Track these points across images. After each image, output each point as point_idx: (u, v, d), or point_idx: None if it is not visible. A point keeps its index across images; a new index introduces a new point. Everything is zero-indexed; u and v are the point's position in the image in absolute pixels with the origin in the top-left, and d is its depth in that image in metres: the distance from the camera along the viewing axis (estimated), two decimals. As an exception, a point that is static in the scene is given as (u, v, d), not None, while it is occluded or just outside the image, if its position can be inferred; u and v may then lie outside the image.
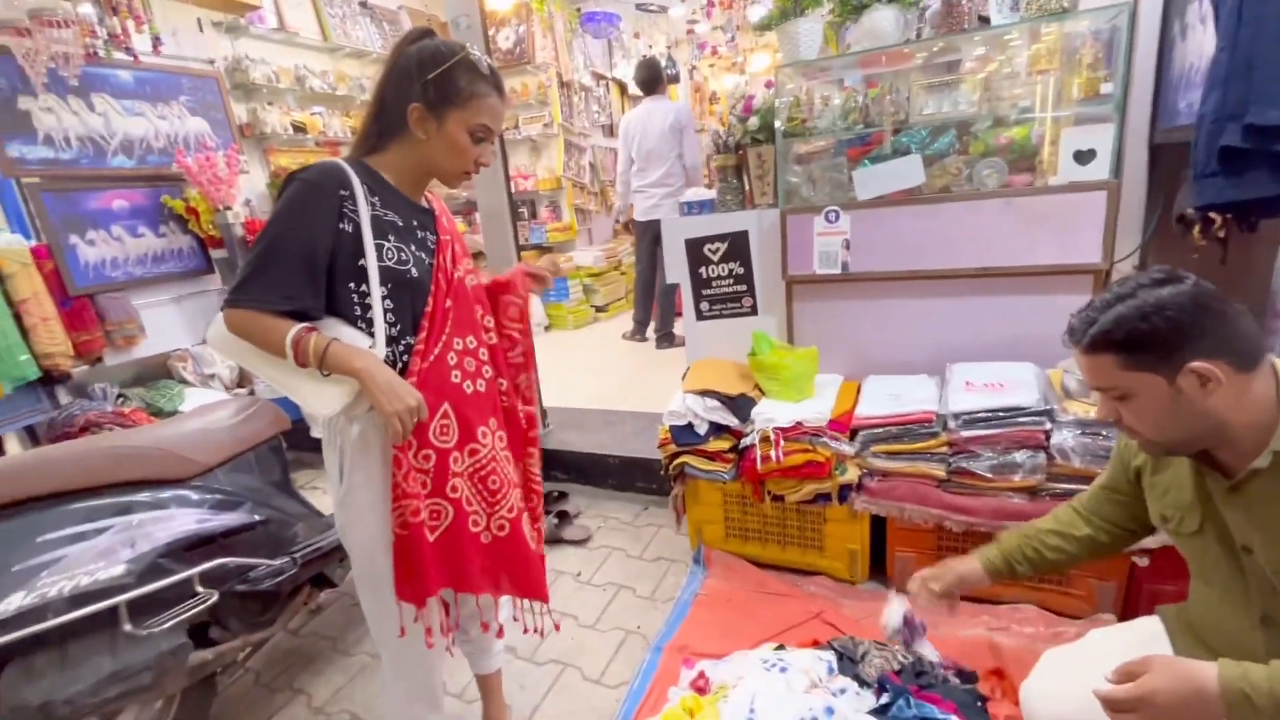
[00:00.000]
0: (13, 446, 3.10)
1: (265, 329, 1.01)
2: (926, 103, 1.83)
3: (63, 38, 2.64)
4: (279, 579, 1.66)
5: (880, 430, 1.80)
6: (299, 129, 3.94)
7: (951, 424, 1.71)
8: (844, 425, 1.86)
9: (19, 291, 2.57)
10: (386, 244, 1.08)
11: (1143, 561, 1.57)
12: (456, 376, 1.18)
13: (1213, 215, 1.44)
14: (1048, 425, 1.62)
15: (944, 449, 1.74)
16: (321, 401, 1.06)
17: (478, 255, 5.91)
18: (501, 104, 1.11)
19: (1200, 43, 1.45)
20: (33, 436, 2.80)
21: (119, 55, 2.86)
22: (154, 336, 3.08)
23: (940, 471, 1.74)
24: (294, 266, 1.01)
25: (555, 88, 5.43)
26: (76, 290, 2.78)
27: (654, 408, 3.15)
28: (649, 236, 4.24)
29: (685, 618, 1.90)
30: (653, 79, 4.14)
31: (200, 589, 1.50)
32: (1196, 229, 1.48)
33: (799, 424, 1.85)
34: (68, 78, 2.70)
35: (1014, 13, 1.71)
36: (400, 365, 1.13)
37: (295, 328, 1.01)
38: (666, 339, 4.41)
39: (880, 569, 1.96)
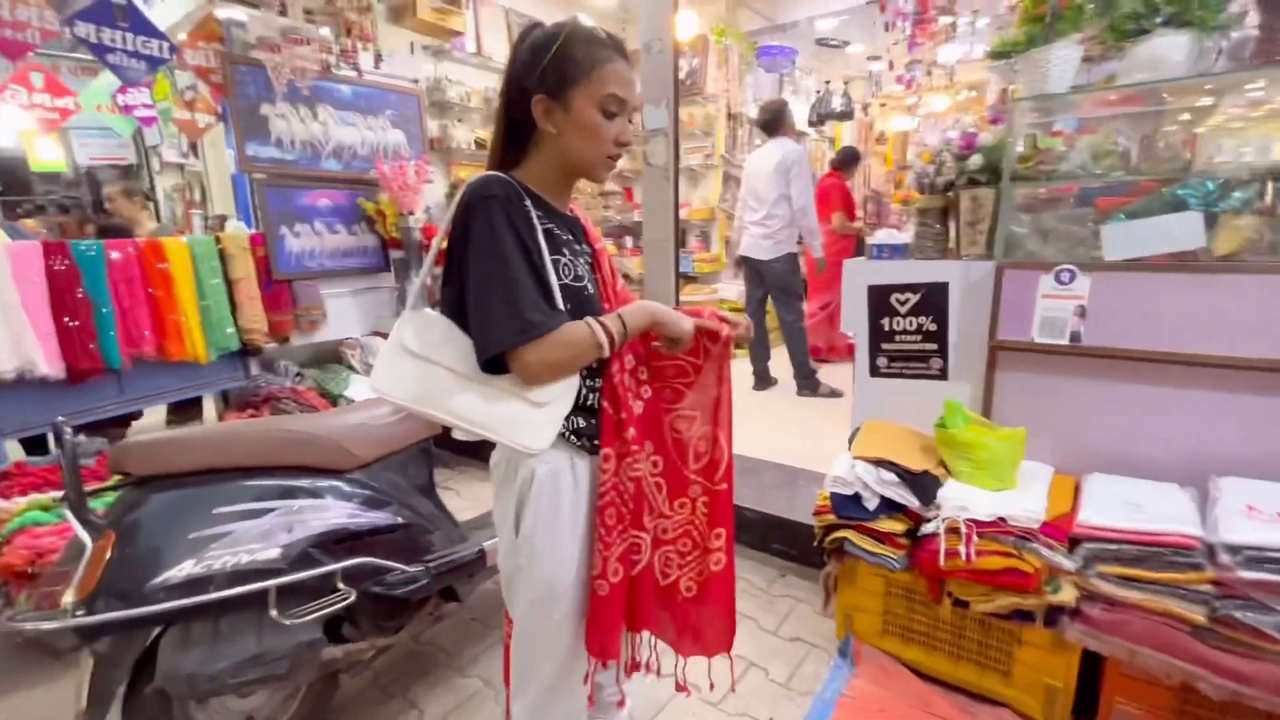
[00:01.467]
0: (209, 407, 3.49)
1: (566, 344, 0.94)
2: (1219, 148, 1.47)
3: (304, 54, 2.97)
4: (412, 587, 1.63)
5: (1114, 547, 1.44)
6: (480, 145, 4.19)
7: (1225, 557, 1.32)
8: (1062, 532, 1.51)
9: (236, 271, 2.88)
10: (562, 259, 1.00)
11: None
12: (630, 398, 1.08)
13: None
14: (1386, 586, 1.19)
15: (1208, 587, 1.34)
16: (536, 435, 0.97)
17: (625, 279, 5.99)
18: (629, 69, 1.00)
19: None
20: (225, 400, 3.12)
21: (345, 71, 3.17)
22: (333, 323, 3.34)
23: (1198, 616, 1.34)
24: (534, 285, 0.94)
25: (722, 119, 5.38)
26: (279, 275, 3.07)
27: (797, 461, 2.90)
28: (752, 275, 4.23)
29: (827, 721, 1.63)
30: (773, 122, 4.09)
31: (341, 585, 1.50)
32: None
33: (1001, 520, 1.53)
34: (302, 89, 3.03)
35: (1368, 41, 1.32)
36: (585, 388, 1.04)
37: (590, 327, 0.96)
38: (808, 385, 4.11)
39: (1085, 716, 1.56)
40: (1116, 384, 1.68)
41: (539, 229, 0.96)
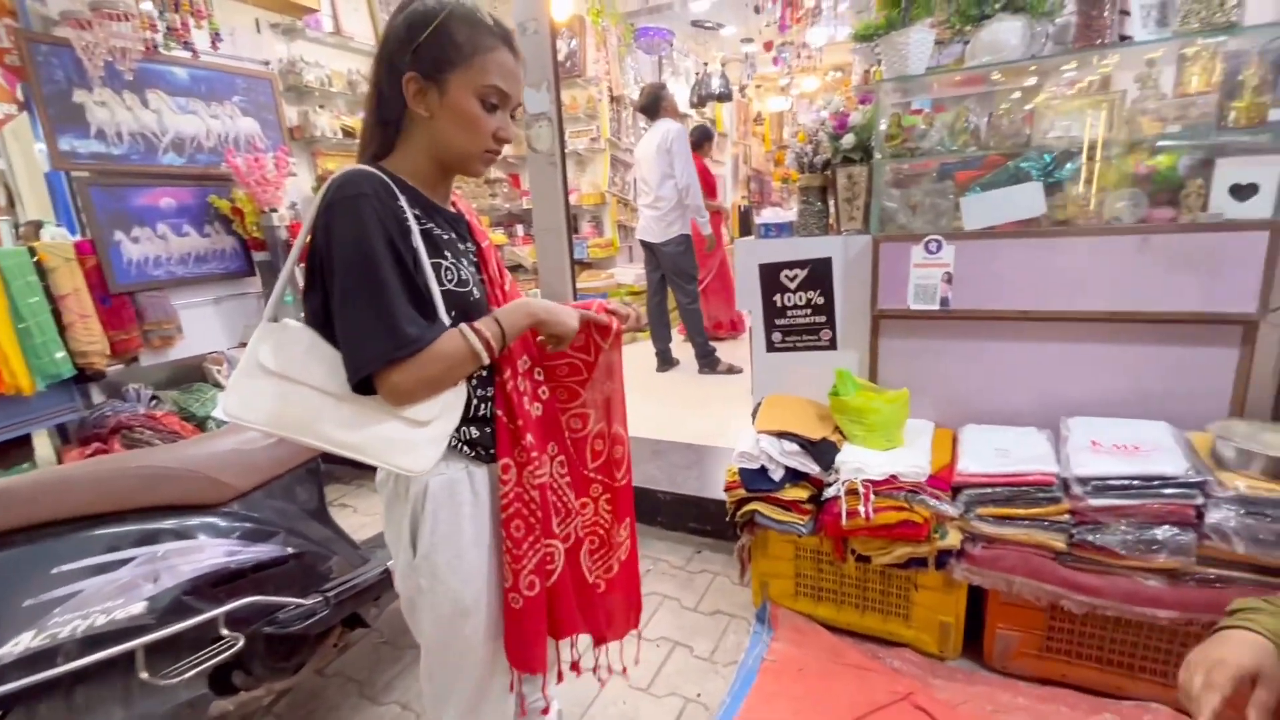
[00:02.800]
0: (43, 445, 3.01)
1: (440, 357, 0.86)
2: (1051, 125, 1.64)
3: (122, 31, 2.58)
4: (310, 621, 1.50)
5: (988, 490, 1.59)
6: (349, 134, 3.87)
7: (1076, 489, 1.49)
8: (944, 482, 1.65)
9: (60, 287, 2.48)
10: (444, 262, 0.92)
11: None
12: (526, 402, 1.03)
13: None
14: (1200, 500, 1.39)
15: (1065, 517, 1.51)
16: (419, 456, 0.88)
17: (516, 269, 5.83)
18: (515, 61, 0.93)
19: None
20: (63, 435, 2.70)
21: (176, 52, 2.80)
22: (191, 338, 2.98)
23: (1059, 543, 1.52)
24: (404, 296, 0.85)
25: (605, 102, 5.33)
26: (117, 288, 2.69)
27: (705, 440, 2.97)
28: (649, 259, 4.31)
29: (752, 687, 1.69)
30: (652, 105, 4.18)
31: (226, 631, 1.34)
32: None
33: (893, 477, 1.64)
34: (124, 72, 2.64)
35: (1162, 28, 1.51)
36: (475, 399, 0.98)
37: (464, 335, 0.88)
38: (707, 363, 4.22)
39: (974, 645, 1.73)
40: (981, 342, 1.85)
41: (415, 230, 0.88)
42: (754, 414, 2.05)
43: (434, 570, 0.96)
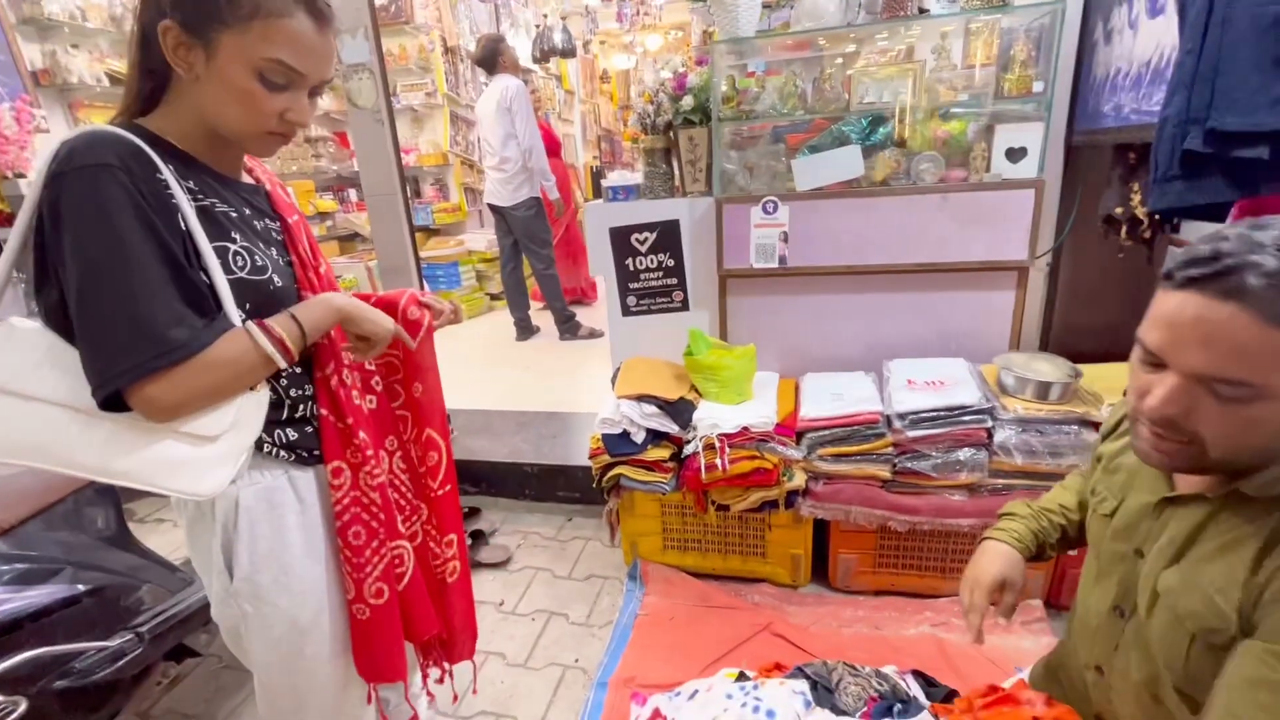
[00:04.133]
0: None
1: (219, 364, 0.72)
2: (867, 91, 1.76)
3: None
4: (119, 664, 1.29)
5: (827, 432, 1.74)
6: (117, 80, 3.21)
7: (897, 424, 1.68)
8: (790, 428, 1.78)
9: None
10: (232, 246, 0.77)
11: (1073, 551, 1.63)
12: (356, 396, 0.93)
13: (1140, 216, 1.49)
14: (989, 423, 1.63)
15: (889, 450, 1.70)
16: (207, 478, 0.75)
17: (353, 237, 5.31)
18: (316, 31, 0.75)
19: (1129, 47, 1.48)
20: None
21: None
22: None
23: (885, 473, 1.71)
24: (170, 291, 0.70)
25: (439, 53, 4.93)
26: None
27: (569, 407, 2.95)
28: (500, 224, 4.12)
29: (628, 643, 1.74)
30: (488, 58, 3.84)
31: (1, 696, 1.11)
32: (1123, 230, 1.53)
33: (745, 429, 1.74)
34: None
35: (952, 3, 1.67)
36: (290, 400, 0.86)
37: (252, 335, 0.74)
38: (568, 329, 4.17)
39: (822, 572, 1.92)
40: (816, 296, 1.99)
41: (187, 207, 0.72)
42: (613, 379, 2.06)
43: (258, 593, 0.85)
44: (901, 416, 1.67)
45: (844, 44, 1.86)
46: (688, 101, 1.88)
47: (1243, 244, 0.60)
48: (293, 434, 0.87)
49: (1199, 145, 1.09)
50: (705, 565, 1.98)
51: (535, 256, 4.06)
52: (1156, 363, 0.66)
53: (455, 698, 1.40)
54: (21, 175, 2.54)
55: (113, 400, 0.70)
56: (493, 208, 4.07)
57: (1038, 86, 1.64)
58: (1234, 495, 0.68)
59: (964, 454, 1.63)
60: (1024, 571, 0.96)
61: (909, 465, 1.68)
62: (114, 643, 1.29)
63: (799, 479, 1.74)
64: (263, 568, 0.85)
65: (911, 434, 1.66)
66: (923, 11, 1.70)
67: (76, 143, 0.68)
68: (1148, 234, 1.48)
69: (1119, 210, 1.52)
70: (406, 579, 0.98)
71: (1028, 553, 0.98)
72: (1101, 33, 1.62)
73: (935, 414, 1.64)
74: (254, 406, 0.79)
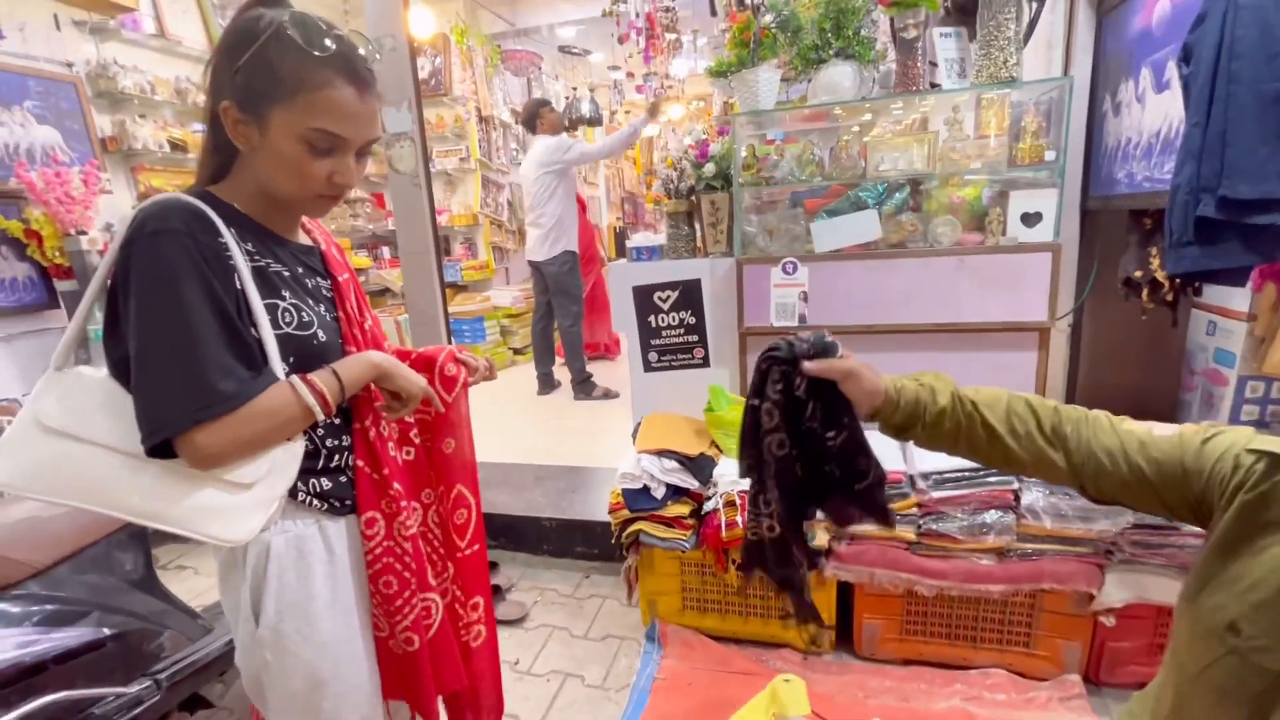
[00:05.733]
0: None
1: (264, 414, 0.76)
2: (882, 159, 1.83)
3: None
4: (136, 711, 1.29)
5: (849, 491, 1.72)
6: (177, 146, 3.46)
7: (921, 484, 1.66)
8: (811, 486, 1.76)
9: None
10: (281, 304, 0.82)
11: (1109, 622, 1.57)
12: (392, 449, 0.96)
13: (1160, 279, 1.50)
14: (1015, 484, 1.60)
15: (914, 510, 1.68)
16: (239, 525, 0.78)
17: (384, 293, 5.50)
18: (358, 97, 0.79)
19: (1138, 119, 1.53)
20: None
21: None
22: (-30, 385, 2.49)
23: (910, 534, 1.67)
24: (223, 346, 0.75)
25: (474, 122, 5.23)
26: None
27: (588, 461, 2.95)
28: (538, 281, 4.26)
29: (645, 709, 1.68)
30: (531, 119, 4.11)
31: (18, 740, 1.12)
32: (1145, 293, 1.55)
33: (766, 486, 1.72)
34: None
35: (962, 79, 1.76)
36: (326, 450, 0.90)
37: (295, 388, 0.78)
38: (583, 389, 4.17)
39: (847, 638, 1.85)
40: (836, 355, 2.01)
41: (243, 268, 0.78)
42: (634, 434, 2.07)
43: (281, 641, 0.86)
44: (925, 476, 1.65)
45: (860, 115, 1.95)
46: (710, 168, 1.97)
47: None
48: (327, 483, 0.89)
49: (1212, 212, 1.12)
50: (725, 628, 1.92)
51: (563, 312, 4.14)
52: None
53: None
54: (83, 232, 2.71)
55: (161, 447, 0.74)
56: (531, 263, 4.21)
57: (1049, 155, 1.70)
58: None
59: (990, 516, 1.60)
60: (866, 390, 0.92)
61: (934, 527, 1.65)
62: (133, 689, 1.29)
63: (822, 539, 1.71)
64: (287, 617, 0.86)
65: (936, 494, 1.63)
66: (934, 86, 1.79)
67: (150, 210, 0.74)
68: (1170, 296, 1.49)
69: (1138, 273, 1.54)
70: (434, 629, 0.98)
71: (891, 404, 0.92)
72: (1110, 105, 1.69)
73: (960, 474, 1.62)
74: (288, 456, 0.82)
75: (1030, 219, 1.75)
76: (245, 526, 0.78)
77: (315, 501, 0.88)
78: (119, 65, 3.24)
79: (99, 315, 0.80)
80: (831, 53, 1.80)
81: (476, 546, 1.10)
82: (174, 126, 3.53)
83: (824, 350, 0.95)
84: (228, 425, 0.74)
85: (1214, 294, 1.59)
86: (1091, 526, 1.53)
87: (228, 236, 0.78)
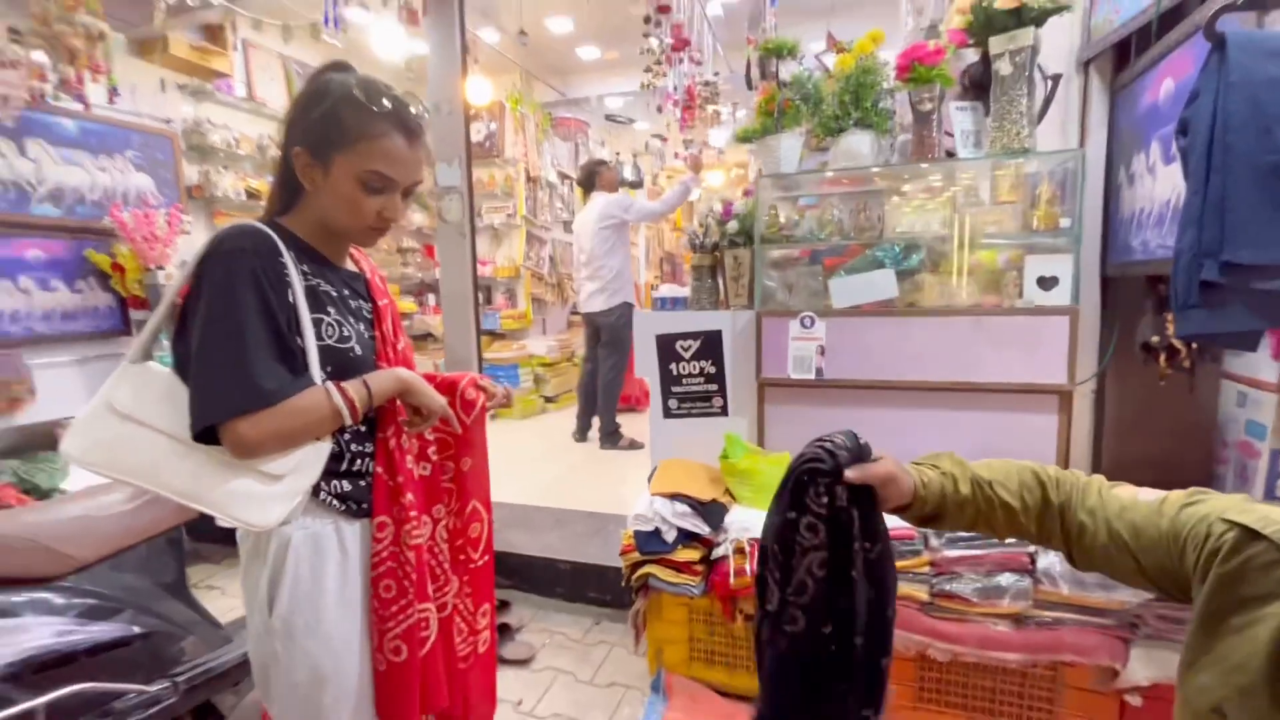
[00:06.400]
0: None
1: (299, 411, 0.86)
2: (900, 221, 1.90)
3: (6, 79, 2.47)
4: (152, 710, 1.34)
5: (860, 546, 1.70)
6: (253, 195, 3.80)
7: (934, 541, 1.63)
8: (822, 538, 1.75)
9: (-114, 340, 2.22)
10: (326, 319, 0.94)
11: (1135, 701, 1.49)
12: (410, 461, 1.04)
13: (1177, 345, 1.50)
14: (1031, 548, 1.57)
15: (926, 569, 1.65)
16: (264, 512, 0.87)
17: (426, 337, 5.74)
18: (407, 146, 0.93)
19: (1150, 189, 1.57)
20: None
21: (67, 104, 2.70)
22: (45, 401, 2.70)
23: (923, 594, 1.64)
24: (271, 350, 0.86)
25: (522, 181, 5.56)
26: (-42, 343, 2.44)
27: (608, 508, 2.97)
28: (590, 332, 4.37)
29: (644, 760, 1.65)
30: (588, 179, 4.33)
31: (44, 726, 1.18)
32: (1163, 358, 1.54)
33: (776, 535, 1.72)
34: (4, 119, 2.51)
35: (978, 149, 1.83)
36: (350, 454, 0.98)
37: (329, 393, 0.88)
38: (610, 440, 4.21)
39: (857, 702, 1.78)
40: (852, 409, 2.02)
41: (298, 286, 0.90)
42: (651, 478, 2.10)
43: (290, 632, 0.92)
44: (938, 534, 1.63)
45: (877, 180, 2.03)
46: (733, 226, 2.07)
47: None
48: (347, 485, 0.98)
49: (1216, 276, 1.14)
50: (733, 683, 1.88)
51: (610, 363, 4.17)
52: None
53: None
54: (161, 268, 2.98)
55: (207, 435, 0.84)
56: (585, 315, 4.32)
57: (1064, 222, 1.74)
58: None
59: (1005, 579, 1.56)
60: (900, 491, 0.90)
61: (947, 587, 1.61)
62: (153, 688, 1.35)
63: (831, 593, 1.69)
64: (298, 610, 0.92)
65: (949, 553, 1.61)
66: (950, 154, 1.87)
67: (228, 232, 0.88)
68: (1187, 363, 1.48)
69: (1155, 339, 1.54)
70: (427, 646, 1.02)
71: (920, 500, 0.91)
72: (1125, 176, 1.73)
73: (973, 534, 1.60)
74: (315, 454, 0.92)
75: (1047, 282, 1.77)
76: (270, 514, 0.86)
77: (335, 502, 0.96)
78: (210, 123, 3.62)
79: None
80: (850, 122, 1.91)
81: (487, 558, 1.18)
82: (252, 177, 3.88)
83: (859, 454, 0.91)
84: (266, 418, 0.83)
85: (1243, 364, 1.56)
86: (1112, 595, 1.48)
87: (288, 259, 0.90)
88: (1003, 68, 1.72)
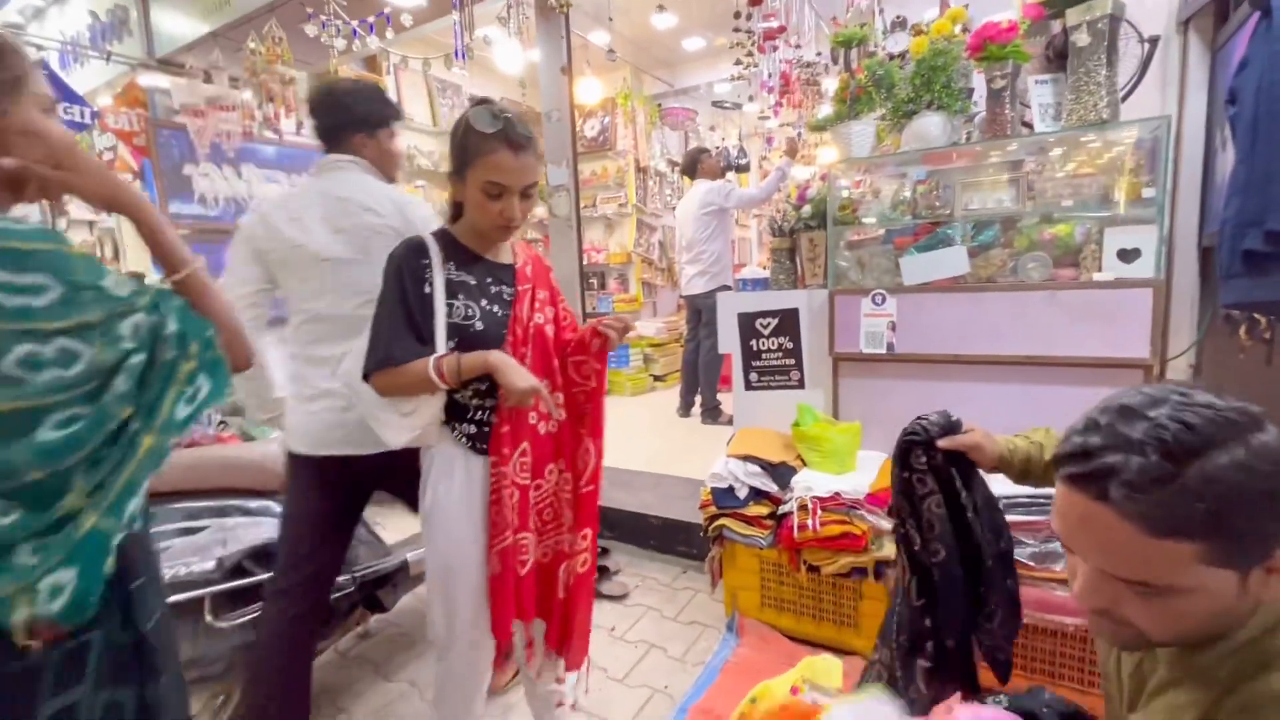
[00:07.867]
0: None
1: (406, 373, 1.17)
2: (971, 199, 1.94)
3: (229, 119, 3.18)
4: (339, 595, 1.81)
5: (918, 508, 1.81)
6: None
7: (991, 507, 1.71)
8: (883, 500, 1.88)
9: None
10: (456, 303, 1.22)
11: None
12: (533, 418, 1.31)
13: (1257, 315, 1.46)
14: (1091, 515, 1.60)
15: (984, 532, 1.72)
16: (392, 434, 1.23)
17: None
18: (513, 156, 1.15)
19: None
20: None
21: (268, 134, 3.40)
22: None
23: (980, 555, 1.72)
24: (402, 326, 1.19)
25: (633, 172, 5.87)
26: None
27: (701, 474, 3.20)
28: (692, 315, 4.52)
29: (713, 684, 1.90)
30: (690, 166, 4.48)
31: (272, 595, 1.67)
32: (1243, 329, 1.50)
33: (837, 495, 1.88)
34: (226, 150, 3.23)
35: (1056, 122, 1.83)
36: (473, 407, 1.27)
37: (429, 361, 1.16)
38: (710, 414, 4.42)
39: (918, 655, 1.90)
40: (923, 382, 2.10)
41: (437, 279, 1.21)
42: (728, 443, 2.32)
43: (429, 523, 1.27)
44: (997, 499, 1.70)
45: (951, 160, 2.07)
46: (807, 209, 2.21)
47: (1110, 438, 0.56)
48: (472, 429, 1.28)
49: (1259, 245, 1.16)
50: (799, 629, 2.07)
51: (710, 342, 4.34)
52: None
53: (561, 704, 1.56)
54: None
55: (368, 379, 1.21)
56: (688, 299, 4.56)
57: (1148, 193, 1.70)
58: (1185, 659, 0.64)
59: (1059, 544, 1.61)
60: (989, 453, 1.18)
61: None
62: (340, 578, 1.82)
63: (888, 549, 1.82)
64: (434, 510, 1.27)
65: (1007, 518, 1.67)
66: (1026, 125, 1.88)
67: (399, 243, 1.24)
68: (1268, 334, 1.44)
69: (1235, 311, 1.50)
70: (525, 569, 1.29)
71: (1007, 464, 1.18)
72: (1220, 140, 1.66)
73: (1030, 499, 1.66)
74: (433, 401, 1.23)
75: (1128, 255, 1.75)
76: (398, 438, 1.22)
77: (464, 440, 1.27)
78: (370, 140, 4.28)
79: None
80: (923, 105, 1.97)
81: (592, 487, 1.41)
82: (402, 183, 4.53)
83: (950, 428, 1.24)
84: (390, 375, 1.17)
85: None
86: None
87: (432, 259, 1.22)
88: (1080, 39, 1.71)
